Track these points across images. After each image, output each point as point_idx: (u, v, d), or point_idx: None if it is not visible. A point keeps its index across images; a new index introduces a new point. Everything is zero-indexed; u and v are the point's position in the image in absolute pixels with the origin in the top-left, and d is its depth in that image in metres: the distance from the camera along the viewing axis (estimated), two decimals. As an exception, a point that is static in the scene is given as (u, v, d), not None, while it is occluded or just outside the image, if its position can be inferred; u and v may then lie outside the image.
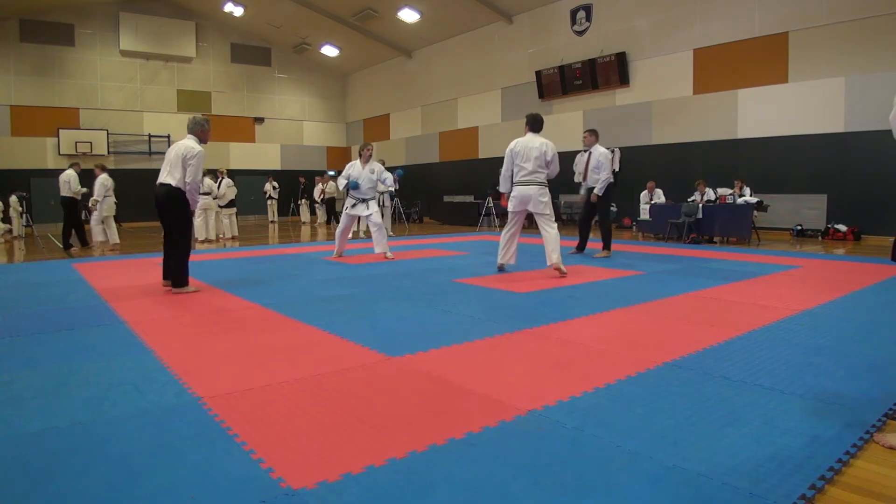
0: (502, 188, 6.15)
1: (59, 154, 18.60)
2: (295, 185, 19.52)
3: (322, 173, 18.83)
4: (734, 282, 5.46)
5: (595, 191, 7.48)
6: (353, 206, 7.64)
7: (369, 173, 7.59)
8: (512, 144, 5.96)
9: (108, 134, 19.22)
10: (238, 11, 19.02)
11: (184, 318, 4.14)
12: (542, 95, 15.75)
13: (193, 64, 20.87)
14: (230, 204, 12.36)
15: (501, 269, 6.24)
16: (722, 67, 12.06)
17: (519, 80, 16.45)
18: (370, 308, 4.41)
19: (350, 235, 12.00)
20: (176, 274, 5.15)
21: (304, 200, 18.98)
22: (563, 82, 15.11)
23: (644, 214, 11.75)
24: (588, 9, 14.59)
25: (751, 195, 10.16)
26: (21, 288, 5.66)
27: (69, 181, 9.96)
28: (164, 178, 5.09)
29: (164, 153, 22.45)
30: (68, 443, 2.04)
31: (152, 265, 7.45)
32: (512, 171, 5.97)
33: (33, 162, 18.37)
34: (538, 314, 4.08)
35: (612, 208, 7.94)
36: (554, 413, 2.25)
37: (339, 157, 24.29)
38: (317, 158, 23.68)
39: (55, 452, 1.96)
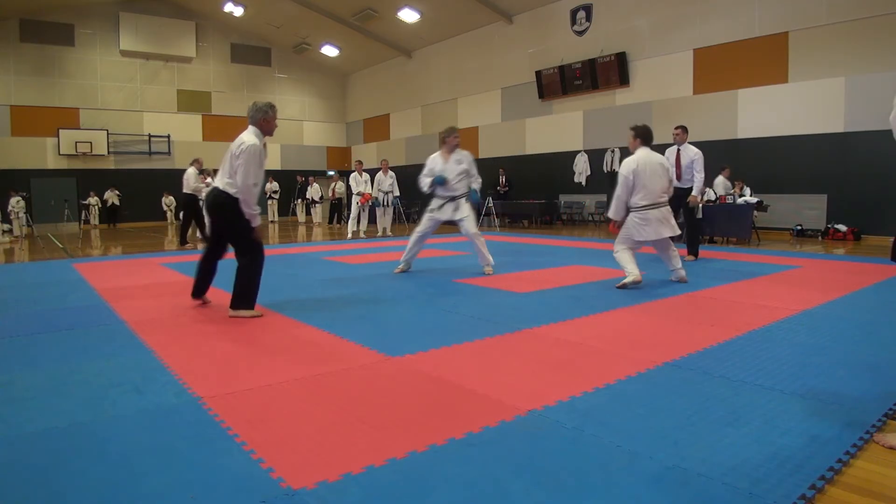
0: (618, 214, 5.31)
1: (59, 154, 18.61)
2: (295, 186, 19.53)
3: (323, 174, 18.85)
4: (734, 282, 5.46)
5: (694, 192, 7.02)
6: (440, 207, 6.21)
7: (456, 164, 6.08)
8: (633, 164, 5.07)
9: (108, 134, 19.23)
10: (238, 11, 19.02)
11: (184, 318, 4.14)
12: (542, 95, 15.75)
13: (193, 64, 20.87)
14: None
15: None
16: (722, 67, 12.06)
17: (519, 80, 16.45)
18: (370, 308, 4.41)
19: (360, 232, 12.10)
20: (240, 292, 4.10)
21: (300, 200, 19.00)
22: (563, 82, 15.11)
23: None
24: (588, 9, 14.59)
25: (751, 195, 10.16)
26: (21, 288, 5.66)
27: (188, 178, 10.50)
28: (216, 179, 4.23)
29: (163, 153, 22.64)
30: (68, 443, 2.04)
31: (152, 265, 7.45)
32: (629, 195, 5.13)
33: (33, 162, 18.37)
34: (538, 314, 4.08)
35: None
36: (554, 413, 2.25)
37: (338, 157, 24.30)
38: (317, 158, 23.68)
39: (55, 452, 1.96)
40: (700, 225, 7.65)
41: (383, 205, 12.60)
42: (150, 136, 20.01)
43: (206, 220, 4.24)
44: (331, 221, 17.22)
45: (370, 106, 22.98)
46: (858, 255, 7.84)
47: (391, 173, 12.71)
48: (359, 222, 12.29)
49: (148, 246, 10.83)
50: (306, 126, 23.53)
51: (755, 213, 9.72)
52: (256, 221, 4.10)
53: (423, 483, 1.72)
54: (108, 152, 19.34)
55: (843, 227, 10.29)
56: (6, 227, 14.14)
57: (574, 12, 14.87)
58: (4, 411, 2.35)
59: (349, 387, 2.61)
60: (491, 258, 6.22)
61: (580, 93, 14.83)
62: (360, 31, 19.26)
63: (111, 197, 18.94)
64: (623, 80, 13.89)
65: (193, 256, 8.69)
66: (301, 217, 19.09)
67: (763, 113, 11.51)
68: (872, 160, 9.91)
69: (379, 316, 4.15)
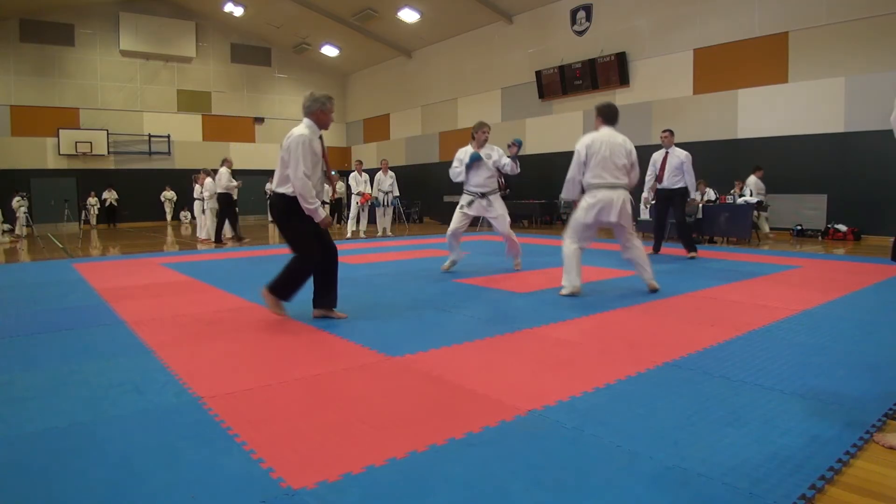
0: (569, 194, 5.07)
1: (59, 154, 18.61)
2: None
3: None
4: (734, 282, 5.46)
5: (691, 194, 7.42)
6: (470, 203, 6.00)
7: (486, 158, 5.98)
8: (588, 140, 4.78)
9: (108, 134, 19.23)
10: (238, 11, 19.03)
11: (184, 318, 4.14)
12: (542, 95, 15.75)
13: (193, 64, 20.87)
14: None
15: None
16: (722, 67, 12.06)
17: (519, 80, 16.44)
18: (370, 308, 4.41)
19: (360, 232, 12.10)
20: (279, 281, 3.97)
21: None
22: (563, 82, 15.11)
23: (645, 214, 11.74)
24: (588, 9, 14.58)
25: (751, 195, 10.16)
26: (21, 288, 5.66)
27: (220, 177, 10.83)
28: (276, 187, 3.91)
29: (163, 153, 22.66)
30: (68, 443, 2.04)
31: (152, 265, 7.45)
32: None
33: (33, 162, 18.37)
34: (538, 314, 4.08)
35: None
36: (554, 413, 2.25)
37: (338, 157, 24.29)
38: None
39: (55, 452, 1.96)
40: (689, 223, 7.91)
41: (383, 205, 12.59)
42: (150, 136, 20.01)
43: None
44: (338, 222, 17.21)
45: (370, 106, 22.98)
46: (858, 255, 7.84)
47: (391, 173, 12.71)
48: (359, 222, 12.29)
49: (148, 246, 10.83)
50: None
51: (755, 212, 9.72)
52: (319, 215, 3.85)
53: (423, 483, 1.72)
54: (108, 152, 19.34)
55: (843, 227, 10.29)
56: (7, 227, 14.14)
57: (574, 12, 14.87)
58: (4, 411, 2.35)
59: (349, 387, 2.61)
60: (520, 260, 6.35)
61: (580, 93, 14.83)
62: (360, 31, 19.26)
63: (109, 197, 18.94)
64: (623, 80, 13.89)
65: (193, 256, 8.72)
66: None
67: (763, 113, 11.50)
68: (872, 160, 9.91)
69: (379, 316, 4.14)
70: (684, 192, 7.44)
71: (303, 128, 3.84)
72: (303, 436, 2.07)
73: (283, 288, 3.95)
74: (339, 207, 17.08)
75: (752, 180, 10.42)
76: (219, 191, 10.93)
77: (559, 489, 1.68)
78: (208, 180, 11.48)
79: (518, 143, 5.96)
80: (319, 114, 3.93)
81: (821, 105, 10.66)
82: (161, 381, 2.71)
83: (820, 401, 2.36)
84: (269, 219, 19.32)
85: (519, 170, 6.10)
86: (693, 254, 7.28)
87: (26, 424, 2.21)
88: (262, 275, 6.41)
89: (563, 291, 4.76)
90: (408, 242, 10.67)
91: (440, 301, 4.65)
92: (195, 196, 12.50)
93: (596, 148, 4.70)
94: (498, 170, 6.06)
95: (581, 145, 4.76)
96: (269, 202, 4.07)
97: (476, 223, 14.92)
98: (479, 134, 6.00)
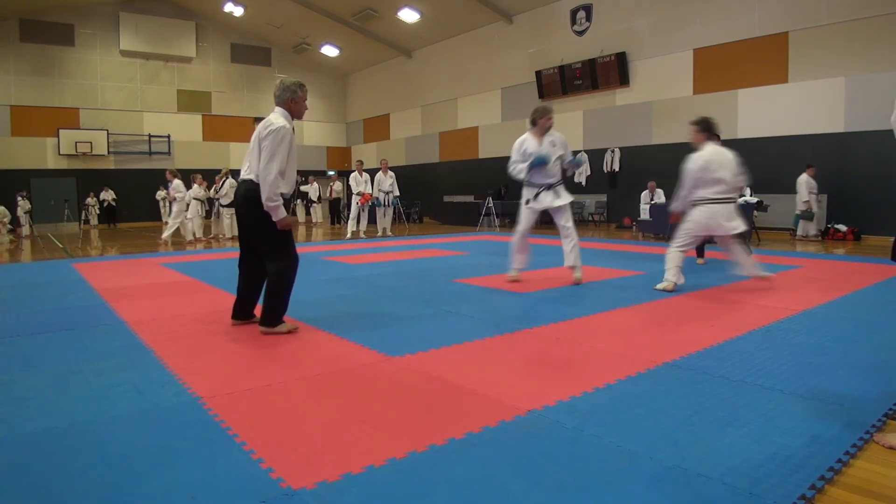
0: (682, 207, 5.05)
1: (59, 154, 18.62)
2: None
3: (323, 174, 18.85)
4: (734, 282, 5.46)
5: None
6: (537, 196, 5.35)
7: (550, 147, 5.28)
8: (702, 160, 4.90)
9: (108, 134, 19.24)
10: (238, 11, 19.03)
11: (184, 318, 4.14)
12: (542, 95, 15.75)
13: (193, 64, 20.88)
14: (231, 204, 12.37)
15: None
16: (722, 67, 12.06)
17: (519, 80, 16.45)
18: (370, 308, 4.41)
19: (360, 232, 12.11)
20: (268, 307, 3.60)
21: (299, 201, 19.00)
22: (563, 82, 15.11)
23: (644, 214, 11.76)
24: (588, 9, 14.58)
25: (751, 195, 10.15)
26: (21, 288, 5.66)
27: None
28: (244, 171, 3.65)
29: (163, 153, 22.72)
30: (68, 443, 2.04)
31: (152, 265, 7.45)
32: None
33: (33, 162, 18.38)
34: (538, 314, 4.08)
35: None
36: (554, 413, 2.25)
37: (339, 157, 24.31)
38: (317, 158, 23.70)
39: (55, 452, 1.96)
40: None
41: (383, 205, 12.60)
42: (150, 136, 20.02)
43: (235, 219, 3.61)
44: (333, 222, 17.20)
45: (370, 106, 22.99)
46: (858, 255, 7.84)
47: (391, 173, 12.71)
48: (359, 222, 12.29)
49: (148, 246, 10.83)
50: (306, 126, 23.53)
51: (755, 212, 9.72)
52: (278, 214, 3.48)
53: (422, 483, 1.72)
54: (108, 152, 19.35)
55: (843, 227, 10.29)
56: (9, 226, 14.15)
57: (574, 12, 14.87)
58: (4, 411, 2.35)
59: (349, 387, 2.61)
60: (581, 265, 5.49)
61: (580, 93, 14.83)
62: (360, 31, 19.26)
63: (107, 197, 18.94)
64: (623, 80, 13.89)
65: (193, 256, 8.71)
66: (301, 217, 19.09)
67: (763, 113, 11.51)
68: (872, 160, 9.91)
69: (379, 316, 4.14)
70: None
71: (280, 118, 3.53)
72: (303, 436, 2.07)
73: (273, 313, 3.59)
74: (337, 207, 17.06)
75: (804, 178, 10.17)
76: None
77: (559, 489, 1.68)
78: (176, 181, 11.26)
79: (576, 164, 5.55)
80: (291, 103, 3.64)
81: (821, 105, 10.66)
82: (161, 381, 2.71)
83: (820, 401, 2.36)
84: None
85: (587, 171, 5.62)
86: (701, 260, 7.13)
87: (26, 424, 2.21)
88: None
89: (660, 286, 4.96)
90: (408, 242, 10.67)
91: (440, 301, 4.65)
92: (192, 196, 12.50)
93: (713, 167, 4.88)
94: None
95: (696, 165, 4.90)
96: (241, 191, 3.58)
97: (476, 223, 14.95)
98: (542, 121, 5.29)
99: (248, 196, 3.56)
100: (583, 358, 3.03)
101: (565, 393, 2.46)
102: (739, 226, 5.00)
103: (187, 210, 11.83)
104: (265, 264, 3.63)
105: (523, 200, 5.48)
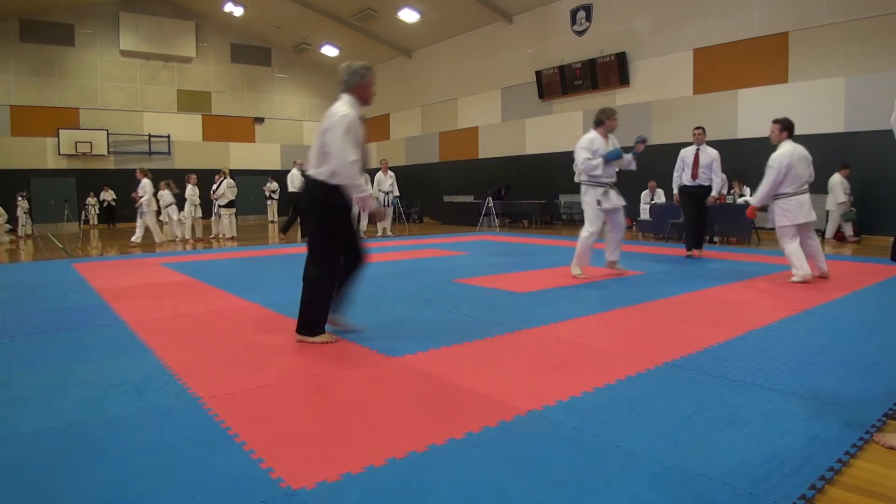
0: (765, 202, 5.48)
1: (59, 154, 18.61)
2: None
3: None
4: (734, 282, 5.46)
5: (714, 192, 7.32)
6: (605, 193, 5.68)
7: (614, 146, 5.76)
8: (787, 157, 5.30)
9: (108, 134, 19.23)
10: (238, 11, 19.03)
11: (184, 319, 4.14)
12: (542, 95, 15.75)
13: (193, 64, 20.88)
14: (230, 204, 12.39)
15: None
16: (722, 67, 12.06)
17: (519, 80, 16.44)
18: (370, 308, 4.41)
19: (360, 232, 12.07)
20: (304, 314, 3.36)
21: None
22: (563, 82, 15.11)
23: (644, 214, 11.75)
24: (588, 9, 14.58)
25: (751, 195, 10.14)
26: (21, 288, 5.66)
27: (293, 178, 11.52)
28: (313, 169, 3.34)
29: (163, 153, 22.66)
30: (68, 443, 2.04)
31: (152, 265, 7.45)
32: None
33: (33, 162, 18.37)
34: (538, 314, 4.08)
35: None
36: (554, 413, 2.25)
37: (339, 157, 24.28)
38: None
39: (55, 452, 1.96)
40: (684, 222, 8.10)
41: (383, 205, 12.60)
42: (150, 136, 20.01)
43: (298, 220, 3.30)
44: None
45: (370, 106, 22.94)
46: (858, 255, 7.84)
47: (391, 173, 12.72)
48: (359, 222, 12.29)
49: (147, 246, 10.83)
50: (306, 126, 23.52)
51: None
52: (371, 204, 3.38)
53: (422, 483, 1.72)
54: (108, 152, 19.34)
55: (848, 230, 10.28)
56: (8, 226, 14.14)
57: (574, 12, 14.87)
58: (4, 411, 2.35)
59: (349, 387, 2.61)
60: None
61: (580, 93, 14.83)
62: (360, 31, 19.26)
63: (107, 197, 18.94)
64: (623, 80, 13.89)
65: (193, 256, 8.72)
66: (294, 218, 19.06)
67: (763, 113, 11.49)
68: (872, 160, 9.91)
69: (379, 316, 4.14)
70: (710, 190, 7.34)
71: (345, 105, 3.28)
72: (303, 436, 2.07)
73: (310, 321, 3.35)
74: None
75: (837, 179, 9.96)
76: (291, 190, 11.75)
77: (559, 489, 1.68)
78: (145, 181, 10.95)
79: (644, 140, 5.83)
80: (360, 88, 3.37)
81: (821, 105, 10.66)
82: (161, 381, 2.71)
83: (820, 401, 2.36)
84: (276, 217, 19.30)
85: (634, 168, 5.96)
86: (698, 253, 7.43)
87: (26, 424, 2.21)
88: (263, 275, 6.43)
89: (795, 279, 5.35)
90: (408, 242, 10.67)
91: (440, 301, 4.65)
92: (185, 196, 12.53)
93: (795, 162, 5.32)
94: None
95: (783, 163, 5.33)
96: (306, 191, 3.32)
97: (476, 223, 14.96)
98: (609, 122, 5.67)
99: (314, 195, 3.33)
100: (583, 358, 3.03)
101: (565, 393, 2.46)
102: (815, 216, 5.53)
103: (178, 210, 11.83)
104: (305, 266, 3.40)
105: (591, 201, 5.68)
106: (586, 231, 5.66)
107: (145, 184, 10.99)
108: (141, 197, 11.03)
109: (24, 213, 14.39)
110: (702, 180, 7.28)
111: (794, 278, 5.38)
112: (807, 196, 5.42)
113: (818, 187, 10.28)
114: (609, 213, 5.75)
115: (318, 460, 1.87)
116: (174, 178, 12.38)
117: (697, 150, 7.36)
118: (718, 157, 7.28)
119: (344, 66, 3.41)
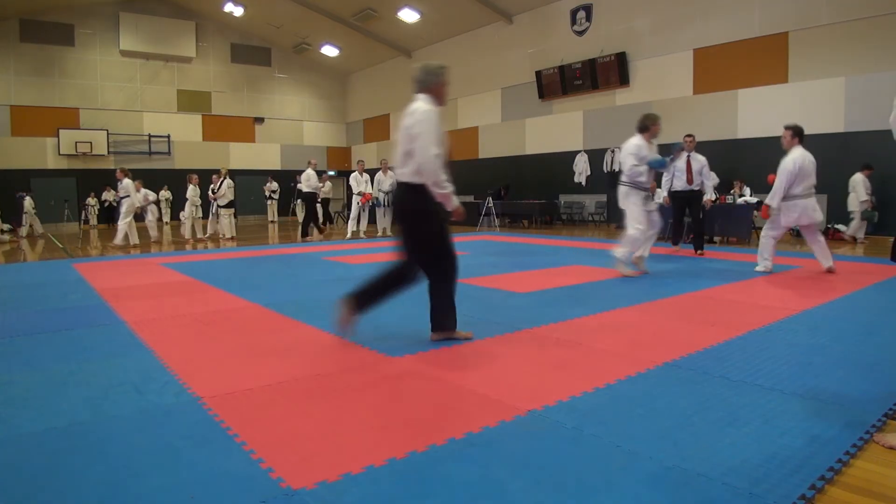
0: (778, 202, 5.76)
1: (59, 154, 18.61)
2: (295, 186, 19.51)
3: (322, 173, 18.73)
4: (734, 282, 5.46)
5: (710, 195, 7.88)
6: (647, 197, 5.98)
7: (656, 153, 6.11)
8: (800, 161, 5.63)
9: (108, 134, 19.23)
10: (238, 11, 19.03)
11: (184, 319, 4.14)
12: (542, 95, 15.75)
13: (193, 64, 20.88)
14: (229, 204, 12.39)
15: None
16: (722, 67, 12.06)
17: (519, 80, 16.44)
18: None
19: (360, 232, 12.15)
20: (438, 315, 3.39)
21: (300, 201, 18.92)
22: (563, 82, 15.11)
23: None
24: (588, 9, 14.58)
25: (751, 195, 10.15)
26: (21, 288, 5.66)
27: (308, 177, 11.68)
28: (398, 171, 3.32)
29: (163, 153, 22.61)
30: (68, 443, 2.04)
31: (152, 265, 7.45)
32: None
33: (33, 162, 18.37)
34: (538, 314, 4.08)
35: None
36: (554, 413, 2.25)
37: (339, 157, 24.30)
38: (317, 158, 23.63)
39: (55, 452, 1.96)
40: (685, 222, 8.60)
41: (383, 205, 12.60)
42: (150, 136, 20.01)
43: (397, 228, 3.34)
44: (325, 223, 16.64)
45: (370, 106, 22.98)
46: (858, 255, 7.84)
47: (391, 173, 12.70)
48: (359, 222, 12.30)
49: (146, 246, 10.83)
50: (306, 126, 23.53)
51: (755, 212, 9.71)
52: (453, 203, 3.29)
53: (422, 483, 1.72)
54: (108, 152, 19.34)
55: (843, 228, 10.28)
56: (6, 227, 14.14)
57: (574, 12, 14.87)
58: (4, 411, 2.35)
59: (349, 387, 2.61)
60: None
61: (580, 93, 14.83)
62: (360, 31, 19.26)
63: (108, 197, 18.93)
64: (623, 80, 13.89)
65: (193, 256, 8.72)
66: (301, 217, 19.04)
67: (763, 113, 11.50)
68: (872, 160, 9.90)
69: (379, 316, 4.14)
70: (701, 194, 7.85)
71: (425, 103, 3.28)
72: (303, 436, 2.07)
73: (445, 320, 3.37)
74: (325, 206, 16.65)
75: (859, 178, 9.86)
76: (305, 190, 11.89)
77: (559, 489, 1.68)
78: (126, 181, 10.76)
79: (681, 149, 6.21)
80: (436, 87, 3.38)
81: (821, 105, 10.66)
82: (161, 381, 2.71)
83: (820, 401, 2.36)
84: (276, 216, 19.28)
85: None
86: (701, 252, 7.82)
87: (26, 424, 2.21)
88: (263, 275, 6.43)
89: (759, 268, 5.89)
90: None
91: (440, 301, 4.64)
92: (186, 196, 12.55)
93: (806, 165, 5.67)
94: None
95: (794, 166, 5.66)
96: (399, 196, 3.26)
97: (476, 223, 14.95)
98: (654, 127, 5.95)
99: (406, 199, 3.29)
100: (583, 358, 3.03)
101: (565, 393, 2.46)
102: (821, 217, 5.90)
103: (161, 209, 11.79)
104: (425, 274, 3.35)
105: (638, 201, 5.87)
106: (634, 228, 5.82)
107: (128, 184, 10.72)
108: (123, 197, 10.76)
109: (31, 211, 14.37)
110: (695, 185, 7.78)
111: (758, 268, 5.90)
112: (813, 199, 5.74)
113: (840, 188, 10.32)
114: (648, 213, 6.05)
115: (318, 460, 1.87)
116: (174, 178, 12.41)
117: (689, 156, 7.81)
118: (707, 162, 7.80)
119: (420, 67, 3.41)
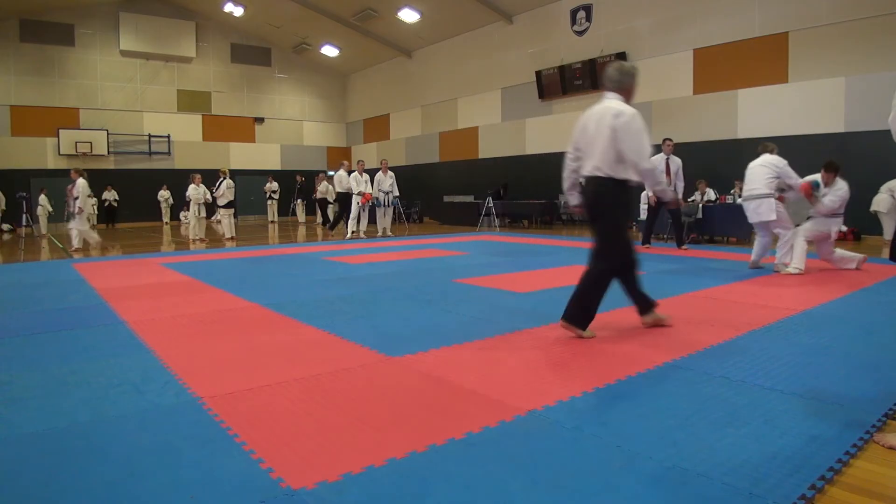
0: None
1: (59, 154, 18.60)
2: (294, 185, 19.52)
3: (318, 173, 18.79)
4: (734, 282, 5.46)
5: (679, 195, 8.51)
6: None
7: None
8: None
9: (108, 134, 19.22)
10: (238, 11, 19.02)
11: (184, 319, 4.14)
12: (542, 95, 15.75)
13: (193, 64, 20.87)
14: (229, 204, 12.39)
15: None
16: (722, 67, 12.06)
17: (519, 80, 16.44)
18: (370, 308, 4.41)
19: (360, 232, 12.19)
20: (576, 302, 3.43)
21: (300, 200, 18.93)
22: (563, 82, 15.11)
23: (644, 215, 11.74)
24: (588, 9, 14.58)
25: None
26: (21, 288, 5.66)
27: (340, 179, 12.28)
28: (587, 168, 3.40)
29: (163, 153, 22.63)
30: (68, 443, 2.04)
31: (152, 265, 7.45)
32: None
33: (33, 162, 18.36)
34: (538, 314, 4.08)
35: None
36: (554, 413, 2.25)
37: (339, 157, 24.25)
38: (317, 158, 23.67)
39: (55, 452, 1.96)
40: (684, 221, 9.31)
41: (383, 205, 12.61)
42: (150, 136, 20.00)
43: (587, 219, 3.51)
44: (323, 223, 16.53)
45: (370, 106, 22.98)
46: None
47: (391, 173, 12.73)
48: (359, 222, 12.30)
49: (147, 246, 10.83)
50: (306, 126, 23.52)
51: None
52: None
53: (422, 483, 1.72)
54: (108, 152, 19.33)
55: (843, 228, 10.26)
56: (7, 227, 14.13)
57: (574, 12, 14.87)
58: (4, 411, 2.35)
59: (349, 387, 2.61)
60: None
61: (580, 93, 14.82)
62: (360, 31, 19.26)
63: (109, 197, 18.92)
64: (623, 80, 13.88)
65: (193, 256, 8.72)
66: (301, 217, 19.05)
67: (763, 113, 11.50)
68: (872, 160, 9.89)
69: (379, 316, 4.14)
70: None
71: (623, 104, 3.36)
72: (303, 436, 2.07)
73: (579, 311, 3.40)
74: (324, 206, 16.63)
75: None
76: (339, 190, 12.38)
77: (559, 489, 1.68)
78: (80, 181, 10.42)
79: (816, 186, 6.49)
80: (630, 88, 3.49)
81: (821, 105, 10.66)
82: (161, 381, 2.71)
83: (820, 401, 2.36)
84: (275, 217, 19.27)
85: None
86: (684, 247, 8.57)
87: (26, 424, 2.21)
88: (263, 274, 6.43)
89: (792, 271, 5.97)
90: (408, 242, 10.67)
91: (440, 301, 4.65)
92: (188, 196, 12.54)
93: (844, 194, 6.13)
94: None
95: (847, 194, 6.13)
96: (590, 191, 3.44)
97: (476, 223, 14.96)
98: (665, 147, 7.73)
99: (598, 193, 3.37)
100: (583, 358, 3.03)
101: (565, 393, 2.46)
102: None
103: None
104: (592, 259, 3.48)
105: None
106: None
107: (82, 184, 10.35)
108: (76, 198, 10.38)
109: (46, 212, 14.36)
110: (671, 186, 8.39)
111: (791, 270, 5.94)
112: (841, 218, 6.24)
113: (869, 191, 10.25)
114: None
115: (318, 460, 1.87)
116: (174, 178, 12.40)
117: (667, 159, 8.42)
118: (681, 165, 8.63)
119: (616, 67, 3.52)
